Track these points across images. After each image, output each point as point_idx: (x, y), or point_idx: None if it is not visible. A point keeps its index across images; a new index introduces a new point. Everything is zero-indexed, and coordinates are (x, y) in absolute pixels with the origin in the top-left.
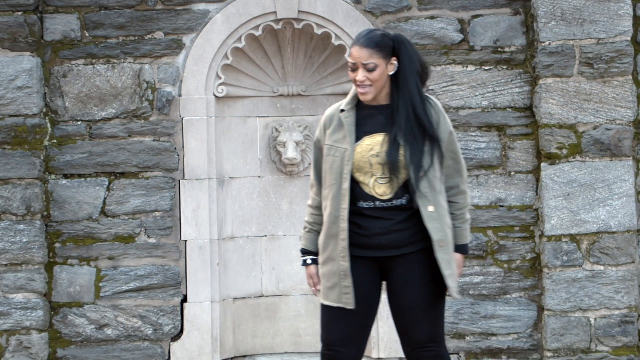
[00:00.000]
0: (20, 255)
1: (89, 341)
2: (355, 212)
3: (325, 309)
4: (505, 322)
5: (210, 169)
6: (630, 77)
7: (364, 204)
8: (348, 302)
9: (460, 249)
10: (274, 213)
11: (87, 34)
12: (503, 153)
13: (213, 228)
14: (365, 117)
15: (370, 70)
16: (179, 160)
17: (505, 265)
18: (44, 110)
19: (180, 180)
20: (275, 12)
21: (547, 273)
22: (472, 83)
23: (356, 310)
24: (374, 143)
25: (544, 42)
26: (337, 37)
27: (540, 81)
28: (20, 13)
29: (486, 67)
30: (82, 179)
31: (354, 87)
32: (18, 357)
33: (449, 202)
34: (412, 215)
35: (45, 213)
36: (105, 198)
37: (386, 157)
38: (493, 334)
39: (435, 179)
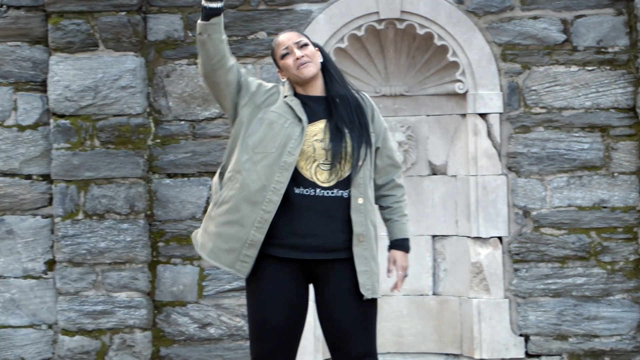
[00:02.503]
0: (124, 254)
1: (192, 340)
2: (287, 206)
3: (253, 323)
4: (608, 323)
5: None
6: None
7: (303, 191)
8: (242, 270)
9: (404, 244)
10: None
11: (190, 34)
12: (606, 154)
13: None
14: (303, 107)
15: (303, 46)
16: None
17: (609, 267)
18: (148, 110)
19: None
20: (377, 13)
21: None
22: (575, 84)
23: (285, 324)
24: (317, 130)
25: None
26: (440, 37)
27: None
28: (124, 13)
29: (589, 68)
30: (186, 179)
31: (286, 83)
32: (122, 355)
33: (386, 196)
34: (350, 216)
35: (148, 212)
36: (208, 198)
37: (330, 143)
38: (596, 336)
39: (368, 172)
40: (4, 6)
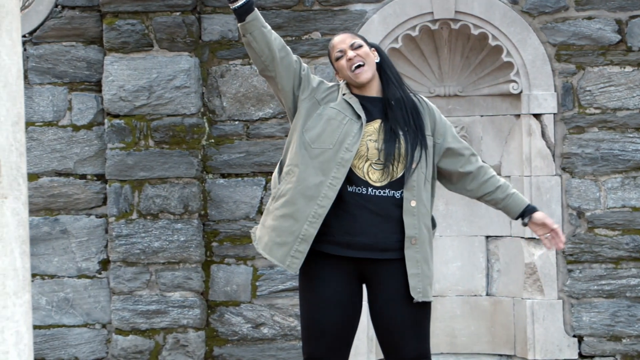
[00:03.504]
0: (178, 254)
1: (245, 340)
2: (340, 204)
3: (306, 323)
4: None
5: None
6: None
7: (355, 189)
8: (292, 266)
9: (534, 206)
10: None
11: None
12: None
13: None
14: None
15: (357, 48)
16: None
17: None
18: (202, 110)
19: None
20: (432, 13)
21: None
22: (629, 84)
23: (338, 324)
24: (372, 130)
25: None
26: (494, 37)
27: None
28: (178, 13)
29: None
30: (240, 179)
31: (342, 84)
32: (175, 355)
33: (486, 181)
34: (402, 217)
35: (202, 212)
36: (262, 198)
37: (384, 143)
38: None
39: (423, 175)
40: (59, 6)
